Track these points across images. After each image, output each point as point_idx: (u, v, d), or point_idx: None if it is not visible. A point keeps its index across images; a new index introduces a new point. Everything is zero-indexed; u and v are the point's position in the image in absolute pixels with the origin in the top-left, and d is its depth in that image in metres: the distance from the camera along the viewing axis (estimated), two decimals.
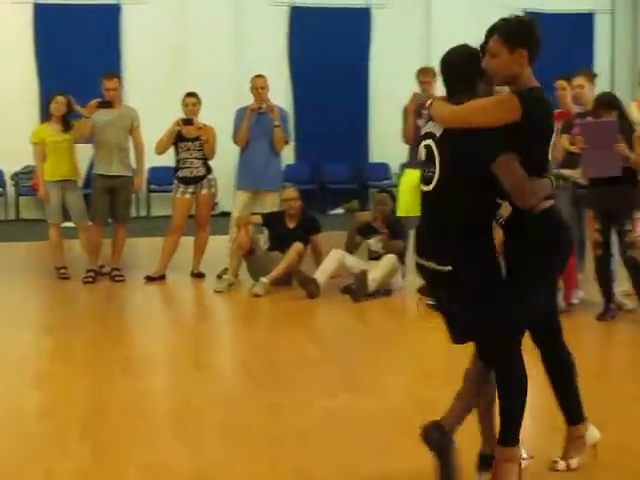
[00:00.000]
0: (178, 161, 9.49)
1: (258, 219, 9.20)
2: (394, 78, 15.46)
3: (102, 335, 7.21)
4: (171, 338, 7.38)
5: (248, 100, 9.70)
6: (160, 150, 9.49)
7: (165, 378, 6.09)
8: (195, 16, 15.73)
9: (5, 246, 12.50)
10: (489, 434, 4.13)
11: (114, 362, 6.28)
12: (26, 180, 15.13)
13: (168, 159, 9.95)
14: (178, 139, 9.41)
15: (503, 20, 3.87)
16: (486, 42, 3.88)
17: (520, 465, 3.95)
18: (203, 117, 9.61)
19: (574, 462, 4.21)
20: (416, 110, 9.15)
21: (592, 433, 4.26)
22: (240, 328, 7.83)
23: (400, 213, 9.23)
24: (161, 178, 14.32)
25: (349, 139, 16.63)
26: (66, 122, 9.46)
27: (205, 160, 9.45)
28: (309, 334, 7.31)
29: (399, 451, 4.48)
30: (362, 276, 8.32)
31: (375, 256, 8.87)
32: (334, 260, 8.64)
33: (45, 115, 9.81)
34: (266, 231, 9.46)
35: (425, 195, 4.00)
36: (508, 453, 3.91)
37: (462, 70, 3.93)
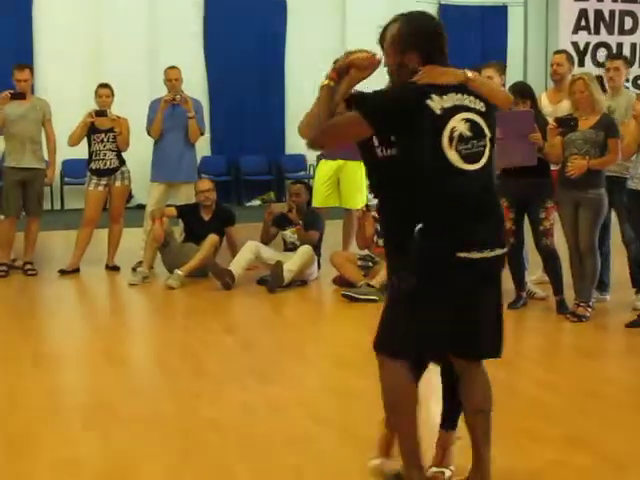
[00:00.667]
0: (91, 153, 9.40)
1: (173, 211, 9.17)
2: (310, 69, 15.53)
3: (14, 330, 7.11)
4: (85, 332, 7.32)
5: (162, 92, 9.67)
6: (73, 142, 9.39)
7: (78, 372, 6.06)
8: (109, 6, 15.57)
9: None
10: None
11: (26, 357, 6.21)
12: None
13: (82, 151, 9.86)
14: (91, 131, 9.32)
15: None
16: None
17: None
18: (117, 109, 9.54)
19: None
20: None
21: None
22: (155, 321, 7.79)
23: (316, 204, 9.30)
24: (75, 171, 14.18)
25: (265, 131, 16.64)
26: None
27: (119, 152, 9.39)
28: (224, 326, 7.30)
29: (311, 441, 4.53)
30: (277, 267, 8.35)
31: (290, 247, 8.91)
32: (249, 251, 8.66)
33: None
34: (181, 223, 9.44)
35: (470, 175, 3.52)
36: None
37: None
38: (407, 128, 3.45)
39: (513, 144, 7.09)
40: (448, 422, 3.96)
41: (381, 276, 7.84)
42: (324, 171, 9.52)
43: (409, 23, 3.59)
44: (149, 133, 9.55)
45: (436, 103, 3.44)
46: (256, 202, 16.16)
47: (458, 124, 3.48)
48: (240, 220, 9.55)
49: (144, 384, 5.70)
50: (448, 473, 3.91)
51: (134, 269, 9.19)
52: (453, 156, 3.45)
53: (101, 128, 9.32)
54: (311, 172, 16.12)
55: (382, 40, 3.64)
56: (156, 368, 6.08)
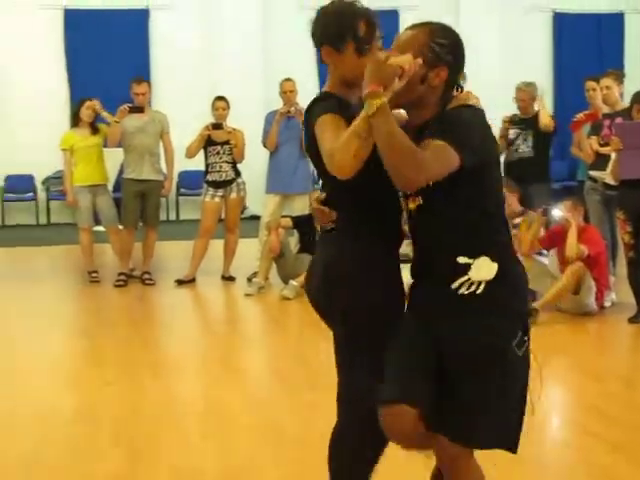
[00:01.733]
0: (207, 165, 9.53)
1: (288, 222, 9.22)
2: None
3: (134, 338, 7.25)
4: (201, 341, 7.41)
5: (277, 104, 9.75)
6: (190, 154, 9.52)
7: (195, 381, 6.12)
8: (224, 20, 15.79)
9: (37, 250, 12.62)
10: None
11: (145, 365, 6.32)
12: (57, 185, 15.23)
13: (198, 163, 10.01)
14: (208, 143, 9.45)
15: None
16: None
17: None
18: (232, 121, 9.64)
19: None
20: None
21: None
22: (270, 331, 7.85)
23: None
24: (190, 182, 14.43)
25: None
26: (94, 127, 9.54)
27: (234, 164, 9.50)
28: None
29: None
30: None
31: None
32: None
33: (74, 120, 9.88)
34: (296, 234, 9.49)
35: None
36: None
37: None
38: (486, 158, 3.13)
39: (632, 155, 6.94)
40: None
41: None
42: None
43: (446, 32, 3.12)
44: (265, 145, 9.63)
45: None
46: None
47: None
48: None
49: (261, 393, 5.73)
50: None
51: (250, 279, 9.28)
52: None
53: (217, 141, 9.43)
54: None
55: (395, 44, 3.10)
56: (272, 378, 6.12)
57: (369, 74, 2.86)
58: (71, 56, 15.78)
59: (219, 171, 9.46)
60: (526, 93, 9.23)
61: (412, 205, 3.08)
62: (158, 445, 4.70)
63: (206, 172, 9.57)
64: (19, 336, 7.43)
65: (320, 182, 3.38)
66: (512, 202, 8.27)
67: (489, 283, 3.00)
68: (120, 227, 9.73)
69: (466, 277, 3.01)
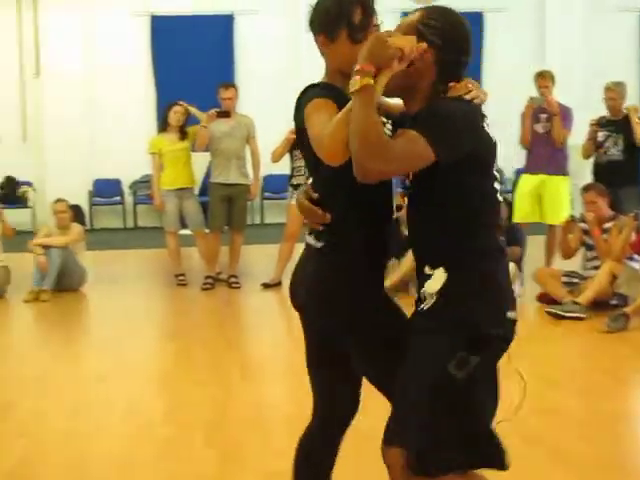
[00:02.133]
0: (293, 169, 9.56)
1: None
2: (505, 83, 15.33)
3: (221, 340, 7.32)
4: (287, 344, 7.43)
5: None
6: (276, 158, 9.56)
7: (283, 385, 6.14)
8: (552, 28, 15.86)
9: (124, 253, 12.81)
10: None
11: (233, 368, 6.38)
12: (144, 189, 15.44)
13: (283, 167, 10.06)
14: (293, 147, 9.48)
15: None
16: None
17: None
18: None
19: None
20: (533, 114, 9.11)
21: None
22: None
23: (517, 219, 9.16)
24: (275, 186, 14.51)
25: None
26: (183, 131, 9.64)
27: None
28: None
29: (522, 460, 4.42)
30: None
31: None
32: None
33: (163, 125, 10.01)
34: None
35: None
36: None
37: None
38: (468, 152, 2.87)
39: None
40: None
41: (588, 293, 7.67)
42: (525, 186, 9.37)
43: (440, 14, 2.90)
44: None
45: (486, 126, 2.90)
46: None
47: None
48: None
49: None
50: None
51: None
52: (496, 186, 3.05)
53: None
54: (509, 186, 15.88)
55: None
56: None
57: (366, 51, 2.65)
58: (158, 62, 16.00)
59: (304, 175, 9.47)
60: (616, 92, 9.09)
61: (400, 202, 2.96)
62: (247, 448, 4.73)
63: (291, 176, 9.60)
64: (109, 338, 7.53)
65: (310, 179, 3.11)
66: (602, 206, 8.16)
67: (438, 296, 2.81)
68: (206, 231, 9.82)
69: (422, 289, 2.87)
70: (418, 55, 2.77)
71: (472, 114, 2.84)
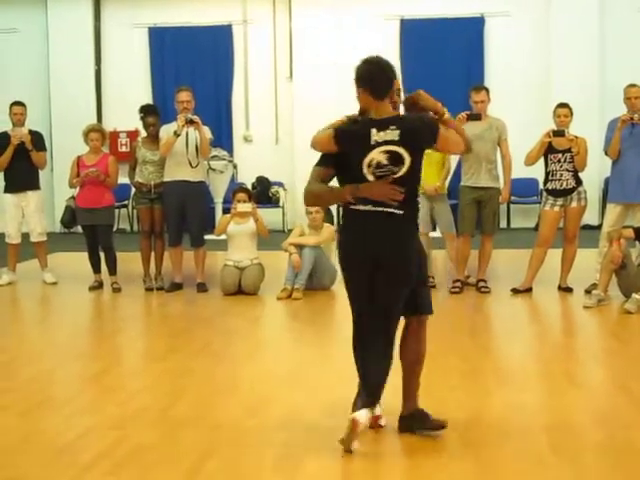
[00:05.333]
0: (548, 173, 9.36)
1: (630, 233, 8.88)
2: None
3: (473, 345, 7.26)
4: (541, 351, 7.29)
5: (618, 111, 9.43)
6: (530, 161, 9.39)
7: (539, 392, 6.01)
8: (560, 26, 15.60)
9: None
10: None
11: (487, 373, 6.30)
12: None
13: (530, 171, 9.91)
14: (548, 150, 9.29)
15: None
16: None
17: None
18: (573, 128, 9.43)
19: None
20: None
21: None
22: (611, 345, 7.57)
23: None
24: (522, 190, 14.27)
25: None
26: None
27: (575, 172, 9.26)
28: None
29: None
30: None
31: None
32: None
33: None
34: (638, 245, 9.13)
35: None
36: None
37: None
38: None
39: None
40: None
41: None
42: None
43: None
44: (606, 153, 9.35)
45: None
46: None
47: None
48: None
49: (610, 410, 5.52)
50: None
51: (588, 291, 9.05)
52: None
53: (559, 148, 9.24)
54: None
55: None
56: (620, 395, 5.87)
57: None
58: (407, 64, 16.07)
59: (560, 179, 9.26)
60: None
61: None
62: (505, 455, 4.65)
63: (546, 180, 9.40)
64: None
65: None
66: None
67: None
68: (456, 234, 9.77)
69: None
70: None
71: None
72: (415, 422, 4.96)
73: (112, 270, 10.24)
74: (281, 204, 16.08)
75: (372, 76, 4.79)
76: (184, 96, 9.89)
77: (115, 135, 16.67)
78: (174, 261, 10.15)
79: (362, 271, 4.75)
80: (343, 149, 4.76)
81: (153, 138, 10.10)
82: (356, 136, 4.73)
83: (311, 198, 4.90)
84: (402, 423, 4.99)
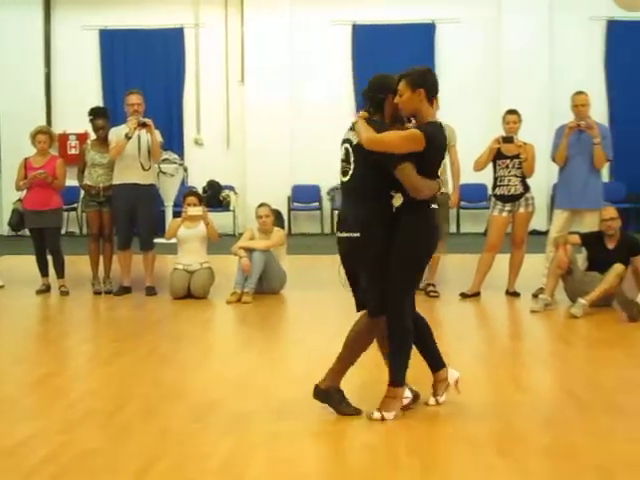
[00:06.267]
0: (496, 178, 9.44)
1: (576, 239, 8.98)
2: None
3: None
4: (488, 356, 7.33)
5: (565, 118, 9.54)
6: (479, 167, 9.47)
7: (486, 396, 6.04)
8: (507, 34, 15.75)
9: (322, 258, 12.93)
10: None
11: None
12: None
13: (480, 176, 9.98)
14: (497, 156, 9.36)
15: (409, 70, 5.24)
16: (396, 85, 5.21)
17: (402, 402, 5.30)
18: (523, 135, 9.51)
19: (442, 398, 5.59)
20: None
21: (452, 374, 5.62)
22: (558, 349, 7.64)
23: None
24: (471, 195, 14.37)
25: None
26: None
27: (523, 178, 9.35)
28: (631, 358, 7.04)
29: None
30: None
31: None
32: None
33: None
34: (584, 251, 9.24)
35: (343, 184, 5.39)
36: (393, 392, 5.28)
37: (376, 95, 5.32)
38: None
39: None
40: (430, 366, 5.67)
41: None
42: None
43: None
44: (554, 159, 9.45)
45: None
46: None
47: (341, 150, 5.40)
48: None
49: (554, 414, 5.58)
50: (432, 400, 5.61)
51: (535, 296, 9.13)
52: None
53: (507, 154, 9.33)
54: None
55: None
56: (565, 398, 5.93)
57: None
58: (359, 70, 16.16)
59: (508, 185, 9.34)
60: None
61: None
62: (453, 460, 4.68)
63: (495, 186, 9.48)
64: (309, 341, 7.63)
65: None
66: None
67: None
68: None
69: None
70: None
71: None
72: (330, 399, 5.43)
73: (60, 273, 10.16)
74: (232, 208, 16.04)
75: (437, 86, 5.31)
76: (134, 99, 9.86)
77: (65, 137, 16.56)
78: (123, 264, 10.09)
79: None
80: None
81: (102, 141, 10.04)
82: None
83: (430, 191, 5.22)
84: (318, 392, 5.48)
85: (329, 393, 5.43)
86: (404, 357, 5.31)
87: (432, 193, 5.22)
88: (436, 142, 5.20)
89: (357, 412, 5.36)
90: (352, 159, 5.30)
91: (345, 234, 5.27)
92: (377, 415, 5.25)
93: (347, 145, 5.35)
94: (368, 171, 5.24)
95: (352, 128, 5.32)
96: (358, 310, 5.47)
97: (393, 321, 5.23)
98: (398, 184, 5.16)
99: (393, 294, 5.21)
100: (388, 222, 5.19)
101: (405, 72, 5.25)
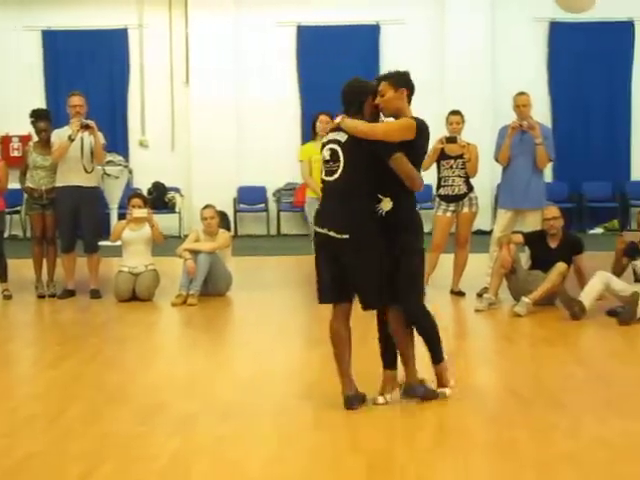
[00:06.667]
0: (440, 179, 9.51)
1: (520, 238, 9.08)
2: None
3: (366, 349, 7.28)
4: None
5: (509, 118, 9.63)
6: (423, 168, 9.46)
7: None
8: (453, 35, 15.84)
9: (268, 260, 12.96)
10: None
11: (377, 377, 6.34)
12: (287, 197, 15.65)
13: (427, 177, 10.01)
14: (441, 157, 9.43)
15: (389, 72, 5.60)
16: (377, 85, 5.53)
17: None
18: (466, 135, 9.59)
19: (389, 397, 5.69)
20: None
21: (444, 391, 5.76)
22: (502, 348, 7.72)
23: None
24: (417, 195, 14.44)
25: (609, 156, 16.23)
26: None
27: (467, 178, 9.42)
28: (575, 356, 7.13)
29: None
30: (633, 299, 8.04)
31: None
32: (600, 282, 8.40)
33: (307, 134, 10.10)
34: (527, 250, 9.33)
35: (329, 183, 5.51)
36: (441, 367, 5.79)
37: (357, 98, 5.53)
38: None
39: None
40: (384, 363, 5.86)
41: None
42: None
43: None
44: (497, 159, 9.54)
45: (325, 139, 5.63)
46: (599, 230, 15.74)
47: (325, 152, 5.52)
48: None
49: (496, 411, 5.64)
50: (381, 399, 5.70)
51: (480, 295, 9.21)
52: (322, 170, 5.57)
53: (451, 154, 9.40)
54: None
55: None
56: (508, 395, 5.99)
57: None
58: (303, 71, 16.20)
59: (452, 185, 9.41)
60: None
61: None
62: (393, 455, 4.71)
63: (439, 186, 9.55)
64: (255, 343, 7.63)
65: None
66: None
67: None
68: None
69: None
70: None
71: None
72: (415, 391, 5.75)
73: (3, 277, 10.04)
74: (177, 210, 15.97)
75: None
76: (76, 100, 9.79)
77: (7, 140, 16.40)
78: (67, 267, 10.00)
79: None
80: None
81: (44, 143, 9.95)
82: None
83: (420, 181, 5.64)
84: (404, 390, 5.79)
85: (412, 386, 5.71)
86: (436, 336, 5.81)
87: (421, 185, 5.58)
88: (425, 132, 5.53)
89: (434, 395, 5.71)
90: (341, 158, 5.42)
91: (332, 233, 5.40)
92: (381, 400, 5.66)
93: (333, 146, 5.47)
94: (358, 170, 5.40)
95: (335, 129, 5.51)
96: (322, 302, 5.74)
97: (420, 320, 5.73)
98: (386, 187, 5.41)
99: (415, 305, 5.68)
100: (378, 219, 5.45)
101: (384, 74, 5.62)
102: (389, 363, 5.82)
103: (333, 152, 5.47)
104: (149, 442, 4.99)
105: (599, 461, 4.58)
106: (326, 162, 5.51)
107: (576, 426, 5.17)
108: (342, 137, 5.44)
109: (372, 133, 5.35)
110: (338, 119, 5.53)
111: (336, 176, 5.44)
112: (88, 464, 4.58)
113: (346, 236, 5.36)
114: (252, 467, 4.57)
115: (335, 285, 5.53)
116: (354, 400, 5.53)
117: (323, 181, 5.57)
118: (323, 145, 5.57)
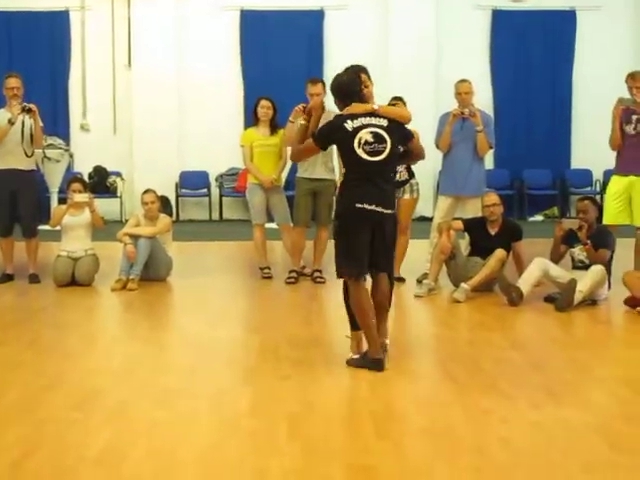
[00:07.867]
0: None
1: (459, 225, 9.14)
2: (600, 81, 15.18)
3: (305, 335, 7.32)
4: None
5: (448, 105, 9.69)
6: (442, 148, 9.54)
7: (367, 381, 6.11)
8: (396, 22, 15.89)
9: (209, 245, 12.93)
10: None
11: (318, 361, 6.38)
12: (230, 181, 15.62)
13: None
14: None
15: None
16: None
17: None
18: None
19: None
20: (623, 115, 8.95)
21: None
22: (440, 333, 7.78)
23: (606, 221, 9.02)
24: None
25: (550, 144, 16.40)
26: (273, 126, 9.70)
27: (408, 165, 9.45)
28: (511, 342, 7.20)
29: (605, 467, 4.36)
30: (571, 286, 8.14)
31: (579, 265, 8.67)
32: (538, 268, 8.50)
33: (250, 119, 10.09)
34: (467, 237, 9.41)
35: (373, 164, 6.01)
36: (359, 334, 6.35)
37: (353, 88, 6.20)
38: (335, 141, 6.21)
39: None
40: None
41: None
42: (615, 187, 9.22)
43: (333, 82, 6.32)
44: (437, 146, 9.59)
45: (349, 125, 6.01)
46: (539, 217, 15.90)
47: (364, 135, 5.97)
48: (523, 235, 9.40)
49: (433, 396, 5.68)
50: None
51: (419, 281, 9.26)
52: (361, 152, 5.98)
53: None
54: (597, 188, 15.70)
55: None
56: (445, 380, 6.05)
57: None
58: (246, 56, 16.14)
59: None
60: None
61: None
62: (333, 442, 4.73)
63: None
64: (194, 329, 7.60)
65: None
66: None
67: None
68: (292, 225, 9.85)
69: None
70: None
71: (334, 121, 6.18)
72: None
73: None
74: (119, 194, 15.83)
75: None
76: (13, 82, 9.66)
77: None
78: (4, 252, 9.89)
79: None
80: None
81: None
82: None
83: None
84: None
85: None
86: None
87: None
88: None
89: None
90: (388, 140, 6.01)
91: (380, 208, 6.02)
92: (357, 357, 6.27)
93: (374, 129, 6.00)
94: (397, 151, 6.16)
95: (366, 115, 6.04)
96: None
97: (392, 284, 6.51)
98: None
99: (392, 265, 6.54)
100: None
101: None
102: (357, 325, 6.31)
103: (376, 135, 5.98)
104: (84, 429, 4.96)
105: (534, 446, 4.64)
106: (369, 144, 5.97)
107: (512, 411, 5.24)
108: (382, 122, 6.03)
109: (407, 117, 6.32)
110: (376, 106, 6.12)
111: (383, 156, 5.99)
112: (21, 451, 4.55)
113: (390, 211, 6.12)
114: (188, 454, 4.56)
115: (366, 259, 6.10)
116: (384, 362, 6.08)
117: (364, 162, 5.98)
118: (355, 130, 5.98)
